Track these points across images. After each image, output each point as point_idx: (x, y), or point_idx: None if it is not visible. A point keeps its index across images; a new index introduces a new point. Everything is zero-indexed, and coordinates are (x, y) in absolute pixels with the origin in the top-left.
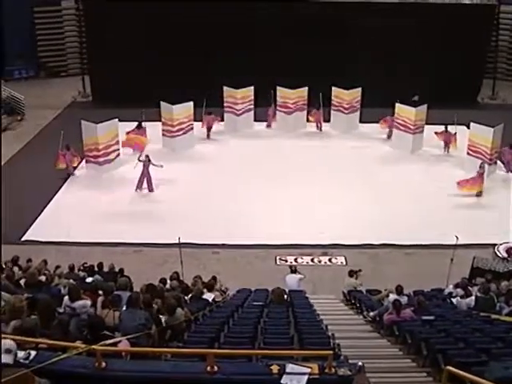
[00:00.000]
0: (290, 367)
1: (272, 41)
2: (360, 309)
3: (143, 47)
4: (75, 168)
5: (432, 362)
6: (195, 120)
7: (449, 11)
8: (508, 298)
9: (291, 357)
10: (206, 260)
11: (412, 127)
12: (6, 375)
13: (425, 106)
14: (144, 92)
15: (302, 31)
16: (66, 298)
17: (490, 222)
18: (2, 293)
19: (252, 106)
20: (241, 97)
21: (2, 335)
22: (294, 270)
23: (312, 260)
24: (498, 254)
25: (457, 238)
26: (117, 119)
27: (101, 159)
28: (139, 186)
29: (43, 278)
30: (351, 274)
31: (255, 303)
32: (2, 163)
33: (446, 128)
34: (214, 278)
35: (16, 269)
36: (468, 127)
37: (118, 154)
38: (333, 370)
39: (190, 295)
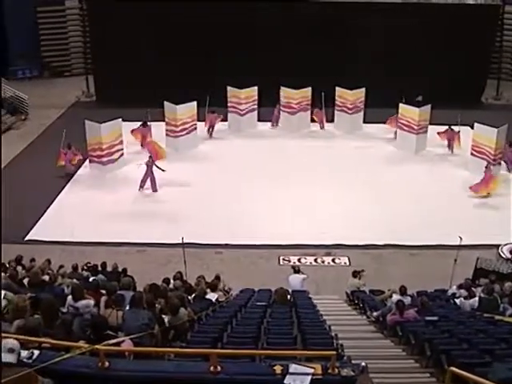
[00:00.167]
0: (293, 367)
1: (275, 41)
2: (363, 309)
3: (147, 47)
4: (75, 166)
5: (435, 362)
6: (199, 120)
7: (452, 11)
8: None
9: (294, 357)
10: (209, 260)
11: (416, 127)
12: (9, 375)
13: (428, 106)
14: (147, 92)
15: (305, 31)
16: (70, 297)
17: (494, 223)
18: (6, 292)
19: (256, 106)
20: (244, 97)
21: (6, 335)
22: (297, 270)
23: (315, 260)
24: (501, 254)
25: (460, 238)
26: (120, 119)
27: (104, 159)
28: (142, 186)
29: (46, 277)
30: (355, 274)
31: (258, 303)
32: (6, 163)
33: (450, 127)
34: (218, 277)
35: (19, 268)
36: (472, 128)
37: (122, 154)
38: (336, 370)
39: (193, 295)
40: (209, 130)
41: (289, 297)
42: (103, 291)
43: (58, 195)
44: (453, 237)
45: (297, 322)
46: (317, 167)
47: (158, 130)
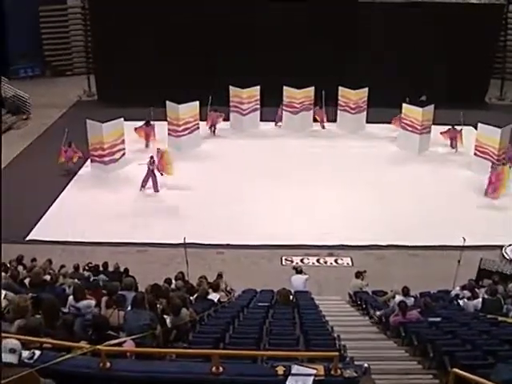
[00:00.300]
0: (295, 368)
1: (275, 41)
2: (366, 310)
3: (149, 47)
4: (74, 164)
5: (438, 363)
6: (201, 119)
7: (456, 11)
8: None
9: (297, 358)
10: (211, 260)
11: (419, 127)
12: (10, 375)
13: (432, 106)
14: (149, 91)
15: (305, 31)
16: (71, 297)
17: (498, 224)
18: (7, 292)
19: (258, 106)
20: (247, 96)
21: (7, 335)
22: (299, 271)
23: (318, 261)
24: (505, 255)
25: (464, 239)
26: (122, 118)
27: (106, 158)
28: (144, 186)
29: (48, 277)
30: (358, 275)
31: (261, 304)
32: (7, 162)
33: (453, 126)
34: (220, 275)
35: (21, 268)
36: (475, 128)
37: (124, 154)
38: (338, 371)
39: (195, 295)
40: (210, 128)
41: (291, 297)
42: (104, 291)
43: (59, 195)
44: (456, 237)
45: (299, 323)
46: (319, 167)
47: (160, 129)
